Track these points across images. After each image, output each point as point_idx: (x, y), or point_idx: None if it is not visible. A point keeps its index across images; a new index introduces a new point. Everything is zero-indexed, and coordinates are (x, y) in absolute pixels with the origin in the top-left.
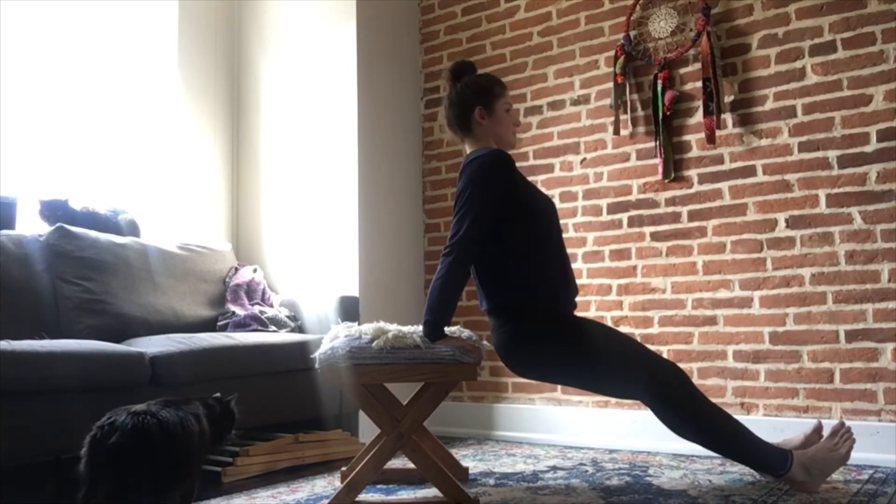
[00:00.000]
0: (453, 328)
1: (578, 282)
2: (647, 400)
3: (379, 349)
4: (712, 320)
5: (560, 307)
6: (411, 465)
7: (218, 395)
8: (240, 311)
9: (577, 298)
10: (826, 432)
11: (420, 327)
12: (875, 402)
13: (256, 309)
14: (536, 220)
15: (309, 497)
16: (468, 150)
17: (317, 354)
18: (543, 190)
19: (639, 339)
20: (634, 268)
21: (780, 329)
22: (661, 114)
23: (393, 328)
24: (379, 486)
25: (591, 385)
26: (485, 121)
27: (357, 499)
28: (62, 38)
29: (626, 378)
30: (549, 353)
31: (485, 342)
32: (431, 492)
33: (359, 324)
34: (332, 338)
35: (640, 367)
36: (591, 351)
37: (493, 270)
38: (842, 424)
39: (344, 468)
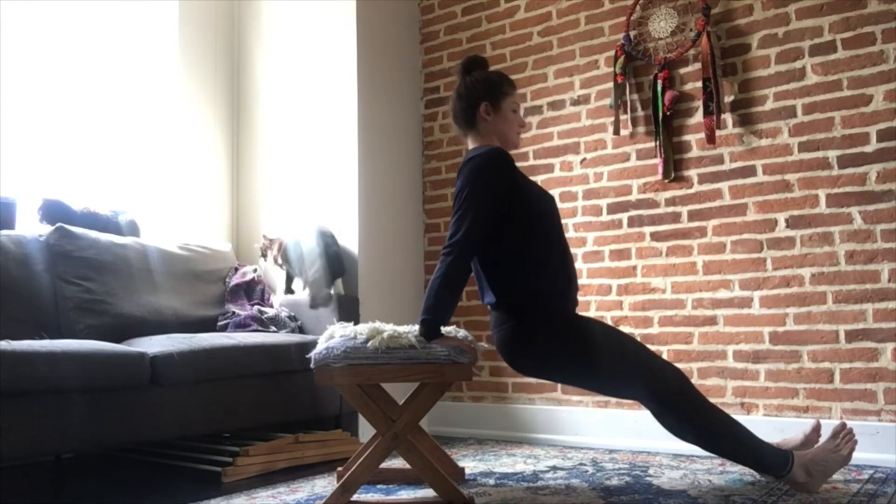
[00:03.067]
0: (449, 328)
1: (578, 282)
2: (646, 401)
3: (374, 349)
4: (712, 320)
5: (561, 305)
6: None
7: None
8: (240, 311)
9: (578, 298)
10: (826, 432)
11: (416, 327)
12: (875, 402)
13: (256, 309)
14: (538, 218)
15: (309, 497)
16: (470, 145)
17: (312, 354)
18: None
19: (639, 339)
20: (634, 268)
21: (780, 329)
22: (661, 114)
23: (388, 328)
24: (379, 487)
25: (591, 384)
26: (490, 117)
27: (357, 499)
28: (62, 38)
29: (626, 378)
30: (549, 352)
31: (482, 343)
32: (431, 492)
33: (354, 324)
34: (328, 338)
35: (640, 368)
36: (590, 350)
37: (494, 267)
38: (843, 425)
39: (340, 468)
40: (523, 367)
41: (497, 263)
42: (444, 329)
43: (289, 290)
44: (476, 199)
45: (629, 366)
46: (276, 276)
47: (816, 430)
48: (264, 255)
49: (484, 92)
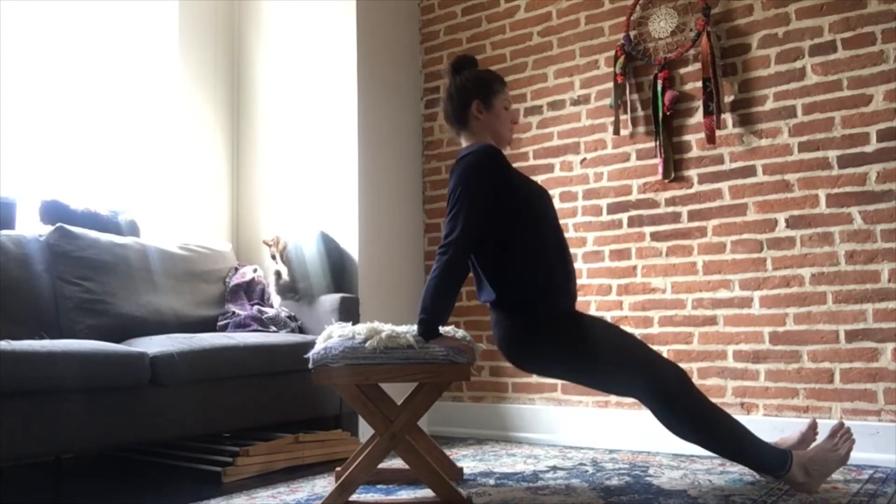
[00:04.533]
0: (448, 328)
1: (578, 282)
2: (646, 398)
3: (372, 349)
4: (712, 320)
5: (559, 300)
6: None
7: None
8: (240, 311)
9: (577, 294)
10: (824, 432)
11: (414, 327)
12: (875, 402)
13: (256, 309)
14: (532, 214)
15: (309, 497)
16: (463, 144)
17: (310, 354)
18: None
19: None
20: (634, 268)
21: (780, 329)
22: (661, 114)
23: (387, 328)
24: (379, 487)
25: (591, 381)
26: (482, 115)
27: (356, 499)
28: (62, 37)
29: (626, 375)
30: (549, 349)
31: (481, 344)
32: (430, 492)
33: (353, 324)
34: (326, 338)
35: (640, 365)
36: (591, 345)
37: (491, 264)
38: (841, 425)
39: (338, 468)
40: (524, 363)
41: (494, 261)
42: (442, 329)
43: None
44: (469, 197)
45: (630, 362)
46: None
47: (813, 427)
48: (274, 258)
49: (475, 90)
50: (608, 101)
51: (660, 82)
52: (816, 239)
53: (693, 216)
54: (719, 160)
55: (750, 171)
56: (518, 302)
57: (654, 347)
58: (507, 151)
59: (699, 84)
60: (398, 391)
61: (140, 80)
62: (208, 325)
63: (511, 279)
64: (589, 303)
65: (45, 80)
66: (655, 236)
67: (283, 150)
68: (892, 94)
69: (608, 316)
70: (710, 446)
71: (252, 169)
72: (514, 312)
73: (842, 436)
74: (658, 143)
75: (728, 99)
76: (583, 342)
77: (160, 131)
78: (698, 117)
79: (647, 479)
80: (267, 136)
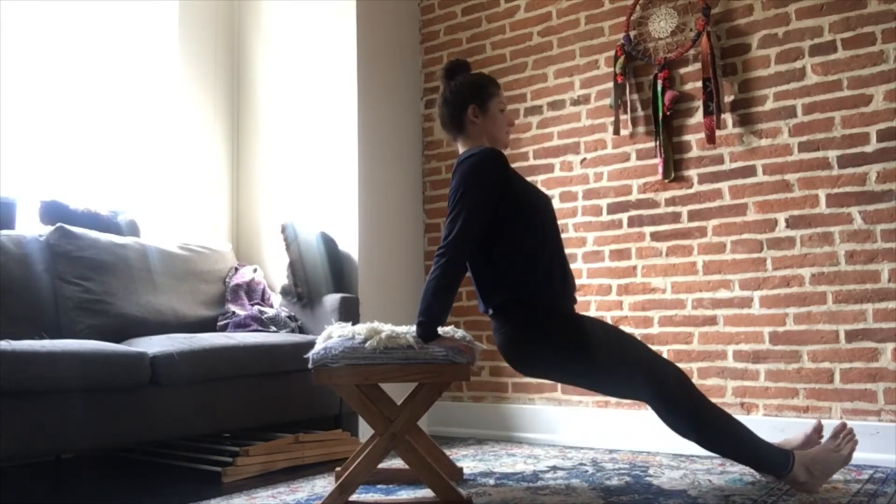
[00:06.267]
0: (447, 328)
1: (578, 282)
2: (648, 399)
3: (372, 349)
4: (712, 320)
5: (559, 304)
6: None
7: None
8: (240, 311)
9: (578, 298)
10: (827, 432)
11: (414, 328)
12: (875, 402)
13: (256, 309)
14: (533, 218)
15: (309, 497)
16: (461, 149)
17: (310, 355)
18: (543, 189)
19: (639, 338)
20: (634, 268)
21: (780, 329)
22: (661, 114)
23: (387, 328)
24: (379, 487)
25: (591, 384)
26: (478, 119)
27: (355, 499)
28: (63, 37)
29: (626, 377)
30: (549, 352)
31: (481, 343)
32: (431, 492)
33: (353, 324)
34: (326, 338)
35: (640, 367)
36: (589, 349)
37: (490, 270)
38: (843, 426)
39: (338, 468)
40: (524, 368)
41: (492, 264)
42: (441, 329)
43: (297, 294)
44: (470, 199)
45: (629, 364)
46: (276, 277)
47: (818, 430)
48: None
49: (470, 95)
50: (608, 101)
51: (660, 82)
52: (816, 239)
53: (693, 216)
54: (719, 160)
55: (750, 171)
56: (517, 304)
57: (654, 348)
58: (507, 152)
59: (699, 84)
60: (398, 391)
61: (140, 80)
62: (208, 325)
63: (510, 281)
64: (589, 303)
65: (45, 79)
66: (655, 236)
67: (283, 150)
68: (892, 94)
69: (608, 316)
70: (712, 446)
71: (252, 169)
72: (513, 315)
73: (844, 436)
74: (658, 143)
75: (728, 99)
76: (582, 344)
77: (160, 131)
78: (698, 117)
79: (647, 479)
80: (267, 136)
